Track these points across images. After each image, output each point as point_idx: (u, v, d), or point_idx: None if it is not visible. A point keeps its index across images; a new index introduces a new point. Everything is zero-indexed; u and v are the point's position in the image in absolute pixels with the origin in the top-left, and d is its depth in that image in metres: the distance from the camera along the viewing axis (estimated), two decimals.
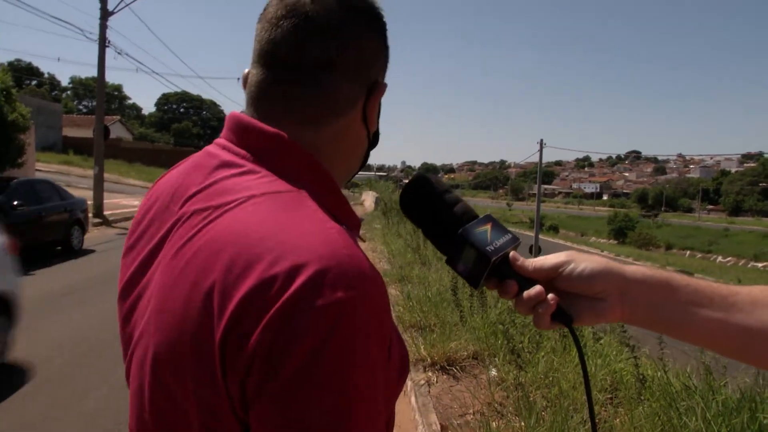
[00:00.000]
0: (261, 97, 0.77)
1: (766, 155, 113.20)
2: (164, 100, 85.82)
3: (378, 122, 0.84)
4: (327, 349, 0.57)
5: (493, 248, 0.76)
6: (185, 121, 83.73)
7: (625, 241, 69.31)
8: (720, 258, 60.09)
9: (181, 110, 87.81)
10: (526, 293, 0.75)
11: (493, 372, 4.68)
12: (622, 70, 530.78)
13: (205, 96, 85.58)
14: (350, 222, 0.75)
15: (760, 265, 55.36)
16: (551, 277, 0.77)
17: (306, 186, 0.71)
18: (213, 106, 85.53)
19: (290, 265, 0.59)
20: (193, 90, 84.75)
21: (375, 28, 0.79)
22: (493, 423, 3.74)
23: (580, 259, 0.77)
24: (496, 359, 4.85)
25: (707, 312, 0.74)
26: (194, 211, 0.70)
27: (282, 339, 0.57)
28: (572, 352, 4.72)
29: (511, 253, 0.79)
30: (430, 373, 4.86)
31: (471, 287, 0.79)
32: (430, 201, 0.81)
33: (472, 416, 4.05)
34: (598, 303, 0.76)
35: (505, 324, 5.11)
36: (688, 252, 64.14)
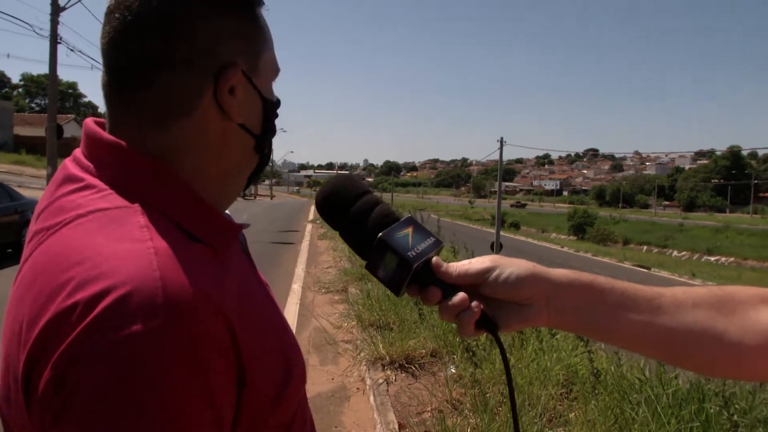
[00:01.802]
0: (106, 102, 0.71)
1: (717, 152, 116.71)
2: None
3: (265, 111, 0.75)
4: (116, 395, 0.52)
5: (414, 254, 0.73)
6: None
7: (584, 236, 70.61)
8: (675, 252, 61.75)
9: None
10: (449, 301, 0.72)
11: (452, 369, 4.70)
12: (581, 69, 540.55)
13: None
14: (211, 235, 0.69)
15: (712, 258, 57.12)
16: (476, 283, 0.74)
17: (147, 198, 0.65)
18: None
19: (91, 294, 0.54)
20: None
21: (222, 6, 0.69)
22: (450, 420, 3.75)
23: (506, 264, 0.74)
24: (455, 356, 4.88)
25: (633, 315, 0.74)
26: (35, 233, 0.66)
27: (68, 382, 0.52)
28: (528, 348, 4.78)
29: (434, 259, 0.75)
30: (389, 372, 4.85)
31: (392, 294, 0.77)
32: (345, 205, 0.77)
33: (429, 414, 4.06)
34: (524, 309, 0.74)
35: None
36: (645, 247, 65.72)
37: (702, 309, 0.75)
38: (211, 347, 0.57)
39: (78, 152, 0.71)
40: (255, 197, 69.25)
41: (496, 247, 29.46)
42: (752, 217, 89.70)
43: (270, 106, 0.76)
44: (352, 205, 0.77)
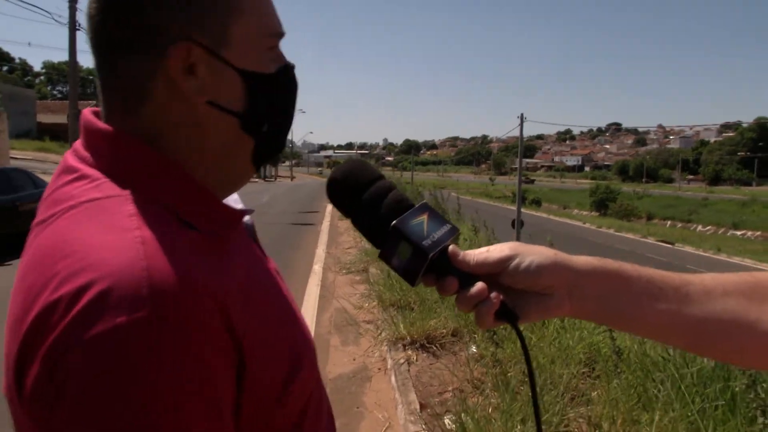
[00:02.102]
0: (97, 89, 0.70)
1: (744, 125, 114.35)
2: None
3: (248, 85, 0.69)
4: (102, 386, 0.51)
5: (430, 242, 0.70)
6: None
7: (606, 212, 69.94)
8: (700, 227, 60.90)
9: None
10: (467, 291, 0.69)
11: (473, 349, 4.70)
12: (602, 44, 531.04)
13: None
14: (209, 221, 0.67)
15: (738, 233, 56.24)
16: (495, 272, 0.71)
17: (140, 185, 0.64)
18: None
19: (76, 287, 0.53)
20: None
21: None
22: (471, 400, 3.75)
23: (526, 252, 0.71)
24: (476, 336, 4.87)
25: (660, 304, 0.70)
26: (33, 226, 0.65)
27: (56, 377, 0.52)
28: (549, 326, 4.75)
29: (451, 247, 0.72)
30: (409, 352, 4.87)
31: (407, 284, 0.74)
32: (357, 192, 0.74)
33: (451, 393, 4.07)
34: (545, 298, 0.70)
35: None
36: (669, 222, 64.89)
37: (733, 297, 0.71)
38: (203, 337, 0.56)
39: (78, 143, 0.70)
40: (276, 178, 69.72)
41: (517, 224, 29.31)
42: None
43: (255, 79, 0.69)
44: (364, 191, 0.73)
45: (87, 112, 0.71)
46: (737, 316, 0.70)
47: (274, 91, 0.72)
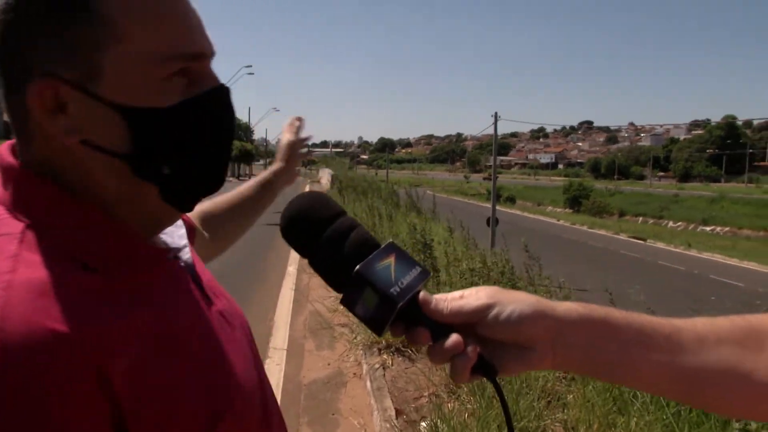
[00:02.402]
0: None
1: (712, 123, 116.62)
2: None
3: (133, 123, 0.59)
4: None
5: (398, 289, 0.63)
6: None
7: (579, 209, 70.76)
8: (671, 223, 61.91)
9: None
10: (441, 344, 0.62)
11: None
12: (575, 43, 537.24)
13: None
14: (113, 262, 0.60)
15: (708, 228, 57.29)
16: (471, 322, 0.64)
17: (38, 223, 0.59)
18: None
19: None
20: None
21: (33, 8, 0.57)
22: (447, 406, 3.72)
23: (506, 301, 0.64)
24: None
25: (652, 354, 0.65)
26: None
27: None
28: None
29: (422, 295, 0.65)
30: (385, 356, 4.82)
31: (372, 333, 0.67)
32: (316, 231, 0.66)
33: (427, 399, 4.03)
34: (526, 351, 0.64)
35: None
36: (641, 218, 65.88)
37: (727, 345, 0.67)
38: (61, 395, 0.50)
39: None
40: (250, 177, 68.85)
41: (492, 222, 29.40)
42: (747, 187, 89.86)
43: (140, 115, 0.60)
44: (323, 230, 0.66)
45: (3, 146, 0.65)
46: (732, 366, 0.66)
47: (176, 127, 0.62)
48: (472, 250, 8.24)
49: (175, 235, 0.75)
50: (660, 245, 38.61)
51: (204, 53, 0.64)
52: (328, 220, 0.67)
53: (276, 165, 1.32)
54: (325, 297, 7.17)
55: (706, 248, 36.68)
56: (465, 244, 8.89)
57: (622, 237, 42.40)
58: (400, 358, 4.81)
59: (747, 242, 46.11)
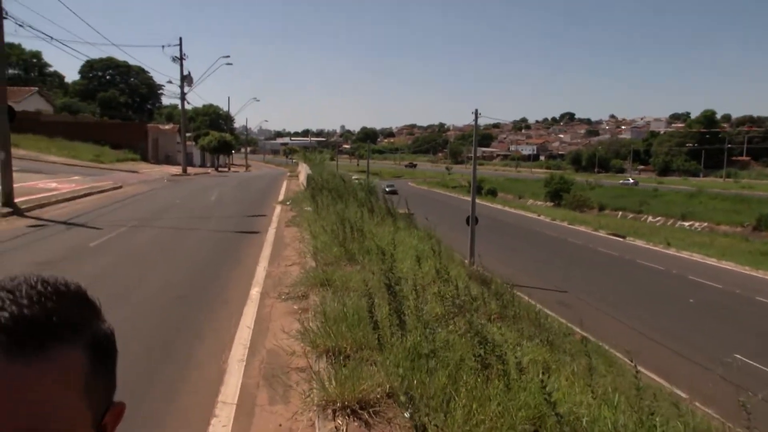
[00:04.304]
0: None
1: (692, 117, 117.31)
2: (89, 67, 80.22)
3: None
4: None
5: None
6: (111, 89, 79.23)
7: (560, 203, 70.87)
8: (650, 218, 62.22)
9: (107, 77, 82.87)
10: None
11: (407, 415, 4.28)
12: (558, 33, 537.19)
13: (132, 62, 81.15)
14: None
15: (686, 224, 57.62)
16: None
17: None
18: (141, 72, 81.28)
19: None
20: (122, 57, 78.91)
21: None
22: None
23: None
24: (413, 396, 4.45)
25: None
26: None
27: None
28: (494, 387, 4.37)
29: None
30: (339, 420, 4.42)
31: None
32: None
33: None
34: None
35: (422, 357, 4.73)
36: (620, 212, 66.13)
37: None
38: None
39: None
40: (229, 168, 67.56)
41: (472, 221, 29.14)
42: (725, 181, 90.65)
43: None
44: None
45: None
46: None
47: None
48: (443, 275, 7.81)
49: None
50: (639, 243, 38.64)
51: None
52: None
53: None
54: (287, 326, 6.77)
55: (684, 246, 36.79)
56: (439, 260, 8.47)
57: (602, 234, 42.41)
58: (356, 423, 4.41)
59: (724, 239, 46.43)
